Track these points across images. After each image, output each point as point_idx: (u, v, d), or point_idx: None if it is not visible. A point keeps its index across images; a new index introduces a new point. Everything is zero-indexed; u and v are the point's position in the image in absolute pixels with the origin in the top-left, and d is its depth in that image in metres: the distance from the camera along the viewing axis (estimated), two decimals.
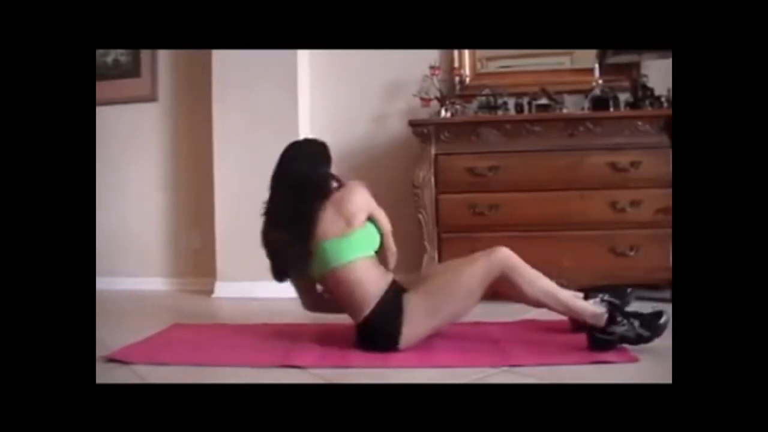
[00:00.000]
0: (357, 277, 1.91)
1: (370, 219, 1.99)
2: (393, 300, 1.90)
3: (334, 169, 2.08)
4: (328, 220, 1.92)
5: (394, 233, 2.06)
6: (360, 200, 1.96)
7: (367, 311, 1.90)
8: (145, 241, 3.67)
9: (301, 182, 1.97)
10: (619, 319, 1.82)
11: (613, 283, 2.71)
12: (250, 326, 2.42)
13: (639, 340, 1.82)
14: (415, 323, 1.88)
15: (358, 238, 1.93)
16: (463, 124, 2.89)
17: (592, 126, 2.77)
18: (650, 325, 1.81)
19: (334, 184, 2.03)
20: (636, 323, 1.82)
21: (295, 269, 2.01)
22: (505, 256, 1.89)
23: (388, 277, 1.97)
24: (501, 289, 1.91)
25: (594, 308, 1.88)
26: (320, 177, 2.00)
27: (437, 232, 2.86)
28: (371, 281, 1.91)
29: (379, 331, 1.90)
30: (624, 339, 1.83)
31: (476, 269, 1.88)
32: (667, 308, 1.76)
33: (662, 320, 1.80)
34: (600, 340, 1.83)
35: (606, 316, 1.83)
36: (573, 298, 1.92)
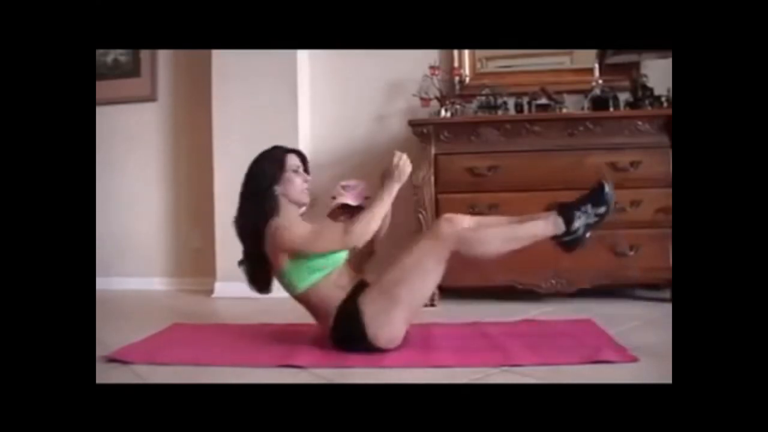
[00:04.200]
0: (321, 294, 1.91)
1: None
2: (349, 302, 1.88)
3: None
4: (272, 248, 1.91)
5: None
6: (283, 245, 1.89)
7: (330, 320, 1.91)
8: (145, 241, 3.67)
9: (250, 201, 1.97)
10: (575, 214, 1.85)
11: (614, 282, 2.72)
12: (249, 326, 2.42)
13: (600, 220, 1.86)
14: (377, 318, 1.85)
15: (308, 264, 1.90)
16: (463, 124, 2.89)
17: (592, 126, 2.77)
18: (599, 200, 1.85)
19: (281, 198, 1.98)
20: (588, 207, 1.85)
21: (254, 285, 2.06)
22: (452, 233, 1.85)
23: (354, 283, 1.95)
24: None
25: (549, 221, 1.88)
26: (261, 200, 1.95)
27: None
28: (334, 296, 1.90)
29: (344, 334, 1.90)
30: (588, 227, 1.86)
31: (424, 248, 1.86)
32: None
33: (606, 189, 1.85)
34: (570, 242, 1.87)
35: (562, 219, 1.86)
36: (528, 228, 1.90)
